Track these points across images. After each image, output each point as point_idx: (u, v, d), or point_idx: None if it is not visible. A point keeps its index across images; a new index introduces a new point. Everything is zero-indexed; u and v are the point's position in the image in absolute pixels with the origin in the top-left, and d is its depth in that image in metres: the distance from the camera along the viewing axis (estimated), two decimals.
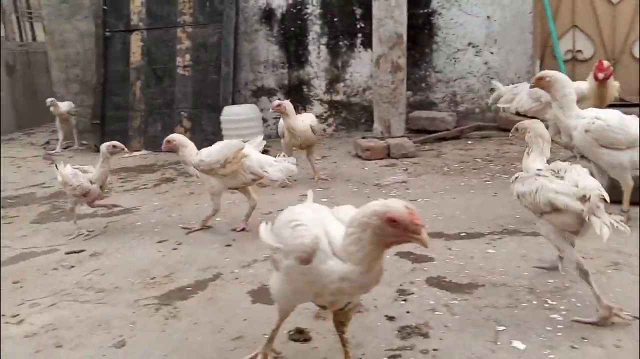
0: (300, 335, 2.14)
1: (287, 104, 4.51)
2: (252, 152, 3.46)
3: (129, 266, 3.04)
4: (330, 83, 6.82)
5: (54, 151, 7.02)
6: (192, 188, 4.78)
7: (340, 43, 6.72)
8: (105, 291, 2.72)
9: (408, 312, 2.29)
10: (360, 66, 6.72)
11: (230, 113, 5.59)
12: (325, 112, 6.86)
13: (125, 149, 3.73)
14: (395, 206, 1.47)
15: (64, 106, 6.97)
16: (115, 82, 6.87)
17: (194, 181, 5.05)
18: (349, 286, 1.55)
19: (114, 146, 3.65)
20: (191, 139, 6.31)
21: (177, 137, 3.65)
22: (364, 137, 5.78)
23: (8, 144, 7.93)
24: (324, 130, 6.60)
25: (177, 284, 2.75)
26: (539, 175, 2.20)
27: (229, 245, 3.29)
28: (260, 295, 2.55)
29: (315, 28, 6.71)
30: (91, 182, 3.62)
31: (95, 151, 6.70)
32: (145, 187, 4.94)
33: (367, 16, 6.26)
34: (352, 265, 1.52)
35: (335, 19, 6.66)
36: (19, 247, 3.47)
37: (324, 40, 6.72)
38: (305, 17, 6.69)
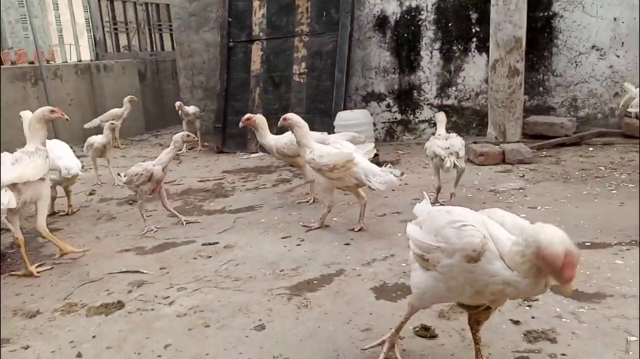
0: (426, 332, 2.25)
1: (258, 118, 4.56)
2: (361, 160, 3.62)
3: (259, 258, 3.33)
4: (442, 87, 6.82)
5: (180, 152, 7.67)
6: (308, 189, 5.04)
7: (454, 47, 6.69)
8: (241, 280, 3.01)
9: (533, 317, 2.31)
10: (474, 70, 6.65)
11: (344, 118, 5.80)
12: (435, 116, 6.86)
13: (198, 140, 4.25)
14: (555, 248, 1.46)
15: (191, 109, 7.59)
16: (237, 88, 7.38)
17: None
18: (512, 291, 1.62)
19: (188, 136, 4.11)
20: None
21: (293, 117, 3.88)
22: (475, 142, 5.72)
23: (139, 144, 8.77)
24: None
25: (304, 277, 2.97)
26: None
27: (347, 244, 3.47)
28: (383, 292, 2.69)
29: (428, 33, 6.75)
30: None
31: (217, 152, 7.27)
32: (264, 187, 5.28)
33: (484, 20, 6.20)
34: (519, 275, 1.58)
35: (450, 24, 6.65)
36: (161, 238, 3.89)
37: (437, 45, 6.73)
38: (419, 23, 6.75)
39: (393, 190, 4.50)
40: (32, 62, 8.14)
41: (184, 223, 4.12)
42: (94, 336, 2.47)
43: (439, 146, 3.95)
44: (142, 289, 2.98)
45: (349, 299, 2.64)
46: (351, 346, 2.21)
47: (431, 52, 6.77)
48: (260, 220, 4.16)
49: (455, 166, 3.87)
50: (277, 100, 7.09)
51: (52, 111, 3.56)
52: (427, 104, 6.90)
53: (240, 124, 4.56)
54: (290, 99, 6.99)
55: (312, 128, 6.70)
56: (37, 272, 3.30)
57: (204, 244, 3.67)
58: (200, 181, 5.73)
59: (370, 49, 6.97)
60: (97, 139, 5.65)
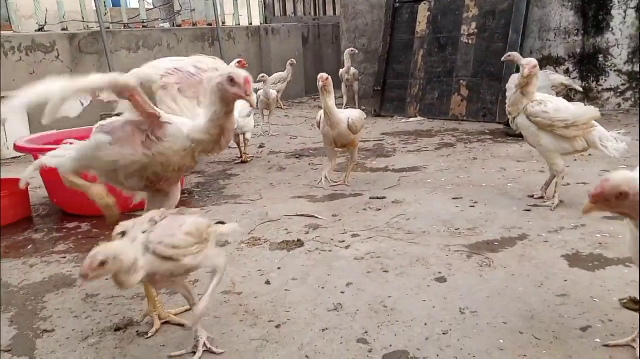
0: (634, 305, 2.01)
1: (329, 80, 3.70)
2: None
3: (430, 215, 3.25)
4: (635, 52, 6.01)
5: None
6: (475, 154, 4.81)
7: None
8: (415, 234, 2.96)
9: None
10: None
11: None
12: (623, 84, 6.09)
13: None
14: None
15: (352, 71, 7.64)
16: (399, 50, 7.26)
17: (475, 147, 5.10)
18: None
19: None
20: (468, 108, 6.42)
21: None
22: None
23: (299, 106, 9.10)
24: None
25: (482, 238, 2.83)
26: None
27: (527, 210, 3.24)
28: (577, 260, 2.47)
29: None
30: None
31: (374, 115, 7.27)
32: (427, 150, 5.16)
33: None
34: None
35: None
36: (330, 189, 3.99)
37: (633, 3, 5.92)
38: None
39: (575, 160, 4.12)
40: (210, 24, 8.79)
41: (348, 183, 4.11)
42: (279, 268, 2.61)
43: None
44: (318, 232, 3.08)
45: (537, 264, 2.46)
46: (546, 309, 2.05)
47: (625, 12, 5.98)
48: (427, 180, 4.07)
49: None
50: (441, 62, 6.84)
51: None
52: (615, 71, 6.14)
53: (320, 82, 3.75)
54: (455, 62, 6.69)
55: (477, 92, 6.46)
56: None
57: (371, 198, 3.69)
58: (361, 141, 5.75)
59: (550, 7, 6.36)
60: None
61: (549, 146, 3.19)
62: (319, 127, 3.99)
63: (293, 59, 8.31)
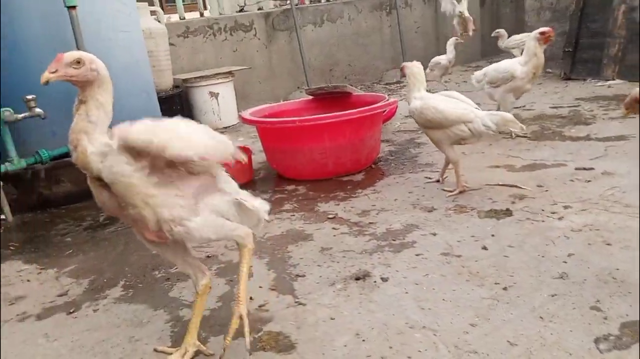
0: None
1: (412, 67, 3.48)
2: None
3: None
4: None
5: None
6: None
7: None
8: (635, 207, 2.86)
9: None
10: None
11: None
12: None
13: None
14: None
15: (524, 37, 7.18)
16: (594, 7, 6.66)
17: None
18: None
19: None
20: None
21: None
22: None
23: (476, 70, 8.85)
24: None
25: None
26: None
27: None
28: None
29: None
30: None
31: (564, 79, 6.83)
32: (634, 118, 4.76)
33: None
34: None
35: None
36: (528, 158, 3.95)
37: None
38: None
39: None
40: None
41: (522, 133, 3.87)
42: (492, 235, 2.74)
43: None
44: (525, 202, 3.12)
45: None
46: None
47: None
48: None
49: None
50: None
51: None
52: None
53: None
54: None
55: None
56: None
57: (577, 169, 3.59)
58: (553, 107, 5.52)
59: None
60: (442, 59, 6.58)
61: None
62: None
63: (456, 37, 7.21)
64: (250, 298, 2.34)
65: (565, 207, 2.98)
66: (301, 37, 7.53)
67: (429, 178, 3.78)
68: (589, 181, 3.33)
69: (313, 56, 7.84)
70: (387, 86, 8.30)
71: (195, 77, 6.28)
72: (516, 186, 3.38)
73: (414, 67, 3.53)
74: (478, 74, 4.81)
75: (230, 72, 6.46)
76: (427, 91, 3.49)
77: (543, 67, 4.42)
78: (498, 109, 4.37)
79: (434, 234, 2.83)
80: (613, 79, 6.33)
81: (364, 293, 2.31)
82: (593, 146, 4.07)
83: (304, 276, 2.53)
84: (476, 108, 3.29)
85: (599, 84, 6.33)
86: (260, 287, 2.46)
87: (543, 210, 2.97)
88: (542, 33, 4.21)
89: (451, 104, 3.29)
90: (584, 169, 3.56)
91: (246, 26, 7.25)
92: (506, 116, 3.14)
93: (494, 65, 4.61)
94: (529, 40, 4.35)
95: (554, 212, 2.92)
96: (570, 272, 2.28)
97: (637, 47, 6.22)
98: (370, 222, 3.11)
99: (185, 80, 6.29)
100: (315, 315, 2.17)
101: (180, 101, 6.12)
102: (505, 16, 10.31)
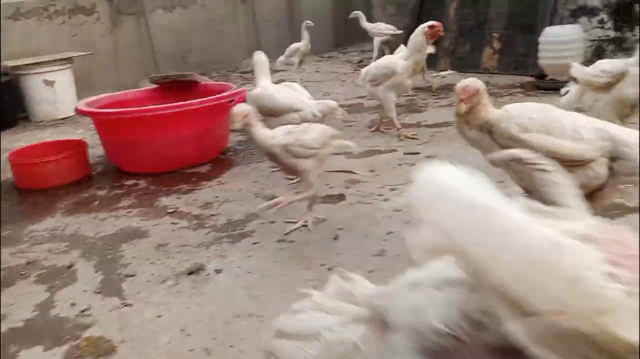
0: None
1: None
2: None
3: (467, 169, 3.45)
4: None
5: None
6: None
7: None
8: None
9: None
10: None
11: (552, 34, 5.40)
12: None
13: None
14: None
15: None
16: (432, 3, 7.24)
17: (505, 101, 5.20)
18: None
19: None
20: (500, 60, 6.46)
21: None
22: None
23: (329, 61, 9.18)
24: None
25: None
26: None
27: None
28: None
29: None
30: None
31: None
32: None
33: None
34: None
35: None
36: (366, 145, 4.20)
37: None
38: None
39: None
40: None
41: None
42: (325, 219, 2.88)
43: None
44: (358, 186, 3.33)
45: None
46: None
47: None
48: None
49: None
50: (474, 15, 6.83)
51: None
52: None
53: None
54: (488, 14, 6.68)
55: (510, 45, 6.47)
56: None
57: (405, 154, 3.90)
58: None
59: None
60: (299, 44, 6.56)
61: None
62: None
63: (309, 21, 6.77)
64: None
65: (392, 189, 3.23)
66: (150, 22, 7.20)
67: (274, 167, 3.86)
68: (413, 165, 3.64)
69: (164, 43, 7.54)
70: (242, 74, 8.27)
71: (27, 64, 5.72)
72: (351, 172, 3.59)
73: (258, 58, 3.58)
74: (362, 72, 4.63)
75: (68, 59, 5.98)
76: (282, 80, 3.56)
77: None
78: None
79: (273, 222, 2.91)
80: (446, 70, 6.94)
81: (196, 287, 2.31)
82: (422, 132, 4.45)
83: (134, 275, 2.46)
84: (308, 98, 3.42)
85: (434, 74, 6.91)
86: (85, 291, 2.34)
87: (372, 193, 3.19)
88: (430, 27, 3.96)
89: (286, 93, 3.39)
90: (412, 153, 3.88)
91: (87, 9, 6.75)
92: (330, 104, 3.33)
93: (374, 63, 4.51)
94: (414, 35, 4.07)
95: (380, 195, 3.16)
96: (389, 249, 2.49)
97: (465, 41, 6.89)
98: (212, 214, 3.10)
99: (15, 67, 5.71)
100: (142, 315, 2.12)
101: (9, 91, 5.55)
102: (356, 8, 10.75)
